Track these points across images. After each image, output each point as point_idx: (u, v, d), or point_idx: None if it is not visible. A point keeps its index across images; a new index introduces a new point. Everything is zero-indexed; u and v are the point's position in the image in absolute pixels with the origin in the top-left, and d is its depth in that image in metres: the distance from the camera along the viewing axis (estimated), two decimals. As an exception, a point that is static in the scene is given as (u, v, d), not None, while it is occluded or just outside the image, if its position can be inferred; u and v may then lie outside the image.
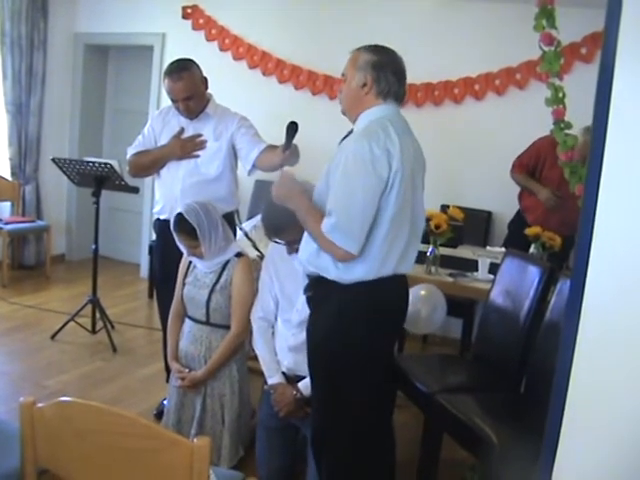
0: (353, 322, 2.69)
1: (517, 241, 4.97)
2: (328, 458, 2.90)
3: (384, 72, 2.70)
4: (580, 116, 4.48)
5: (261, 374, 3.51)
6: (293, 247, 3.17)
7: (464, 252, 4.98)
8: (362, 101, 2.73)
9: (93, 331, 5.57)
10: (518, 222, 5.46)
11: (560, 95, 4.44)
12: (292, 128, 3.24)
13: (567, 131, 4.52)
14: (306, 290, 2.89)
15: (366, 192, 2.54)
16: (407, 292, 2.90)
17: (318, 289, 2.79)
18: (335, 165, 2.62)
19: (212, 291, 3.55)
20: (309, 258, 2.75)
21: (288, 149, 3.30)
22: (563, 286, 3.30)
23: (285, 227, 3.08)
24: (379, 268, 2.66)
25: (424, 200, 2.85)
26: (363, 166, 2.53)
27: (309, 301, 2.89)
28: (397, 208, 2.61)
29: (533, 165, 5.32)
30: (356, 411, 2.80)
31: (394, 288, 2.79)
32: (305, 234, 2.81)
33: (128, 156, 4.07)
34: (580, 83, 4.58)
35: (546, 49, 4.37)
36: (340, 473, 2.87)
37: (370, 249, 2.61)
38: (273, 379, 3.39)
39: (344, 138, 2.81)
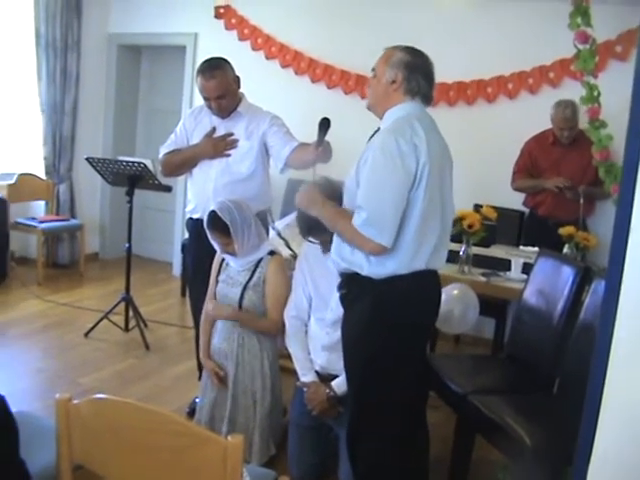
0: (387, 319, 2.69)
1: (534, 238, 5.14)
2: (363, 457, 2.89)
3: (415, 74, 2.73)
4: (615, 115, 4.44)
5: (293, 373, 3.51)
6: (328, 246, 3.17)
7: (497, 252, 4.95)
8: (390, 97, 2.76)
9: (126, 329, 5.61)
10: (530, 222, 5.63)
11: (595, 94, 4.41)
12: (324, 124, 3.23)
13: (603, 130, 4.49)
14: (339, 288, 2.89)
15: (395, 185, 2.57)
16: (439, 290, 2.90)
17: (352, 286, 2.79)
18: (363, 161, 2.65)
19: (245, 289, 3.56)
20: (342, 255, 2.76)
21: (321, 146, 3.29)
22: (598, 286, 3.27)
23: (320, 226, 3.07)
24: (411, 262, 2.67)
25: (453, 198, 2.85)
26: (391, 160, 2.56)
27: (342, 299, 2.89)
28: (427, 202, 2.63)
29: (529, 167, 5.46)
30: (391, 410, 2.80)
31: (426, 284, 2.79)
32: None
33: (160, 155, 4.09)
34: (615, 81, 4.54)
35: (581, 47, 4.33)
36: (375, 472, 2.87)
37: (401, 243, 2.63)
38: (306, 377, 3.40)
39: (372, 136, 2.82)
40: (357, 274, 2.72)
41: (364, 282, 2.70)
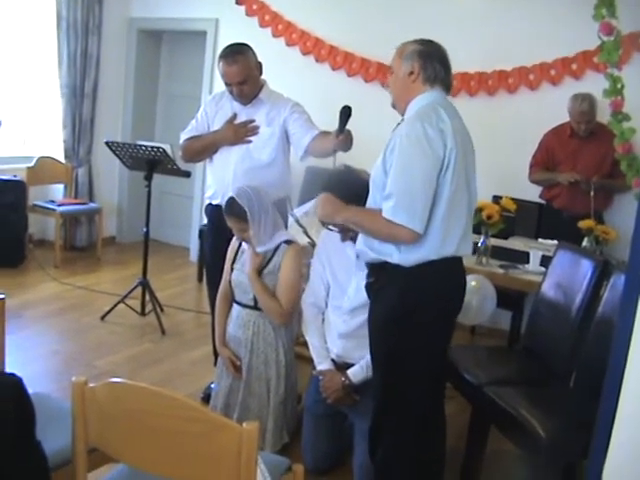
0: (415, 306, 2.69)
1: (550, 230, 5.12)
2: (385, 447, 2.89)
3: (430, 60, 2.74)
4: (638, 108, 4.41)
5: (309, 360, 3.51)
6: (347, 234, 3.17)
7: (516, 243, 4.93)
8: (410, 89, 2.76)
9: (142, 313, 5.64)
10: (546, 214, 5.59)
11: (619, 86, 4.37)
12: (345, 112, 3.21)
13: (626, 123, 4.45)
14: (367, 278, 2.87)
15: (424, 170, 2.56)
16: (465, 278, 2.89)
17: (380, 276, 2.78)
18: (390, 149, 2.64)
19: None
20: (371, 245, 2.75)
21: (341, 134, 3.27)
22: (617, 280, 3.24)
23: None
24: (441, 248, 2.66)
25: (476, 184, 2.84)
26: (419, 146, 2.56)
27: (368, 288, 2.88)
28: (454, 186, 2.63)
29: (547, 160, 5.45)
30: (415, 398, 2.80)
31: (456, 270, 2.80)
32: None
33: (181, 141, 4.09)
34: (639, 74, 4.50)
35: (605, 39, 4.29)
36: (396, 461, 2.86)
37: (431, 229, 2.62)
38: (322, 365, 3.40)
39: (397, 126, 2.81)
40: (386, 263, 2.70)
41: (393, 270, 2.69)
